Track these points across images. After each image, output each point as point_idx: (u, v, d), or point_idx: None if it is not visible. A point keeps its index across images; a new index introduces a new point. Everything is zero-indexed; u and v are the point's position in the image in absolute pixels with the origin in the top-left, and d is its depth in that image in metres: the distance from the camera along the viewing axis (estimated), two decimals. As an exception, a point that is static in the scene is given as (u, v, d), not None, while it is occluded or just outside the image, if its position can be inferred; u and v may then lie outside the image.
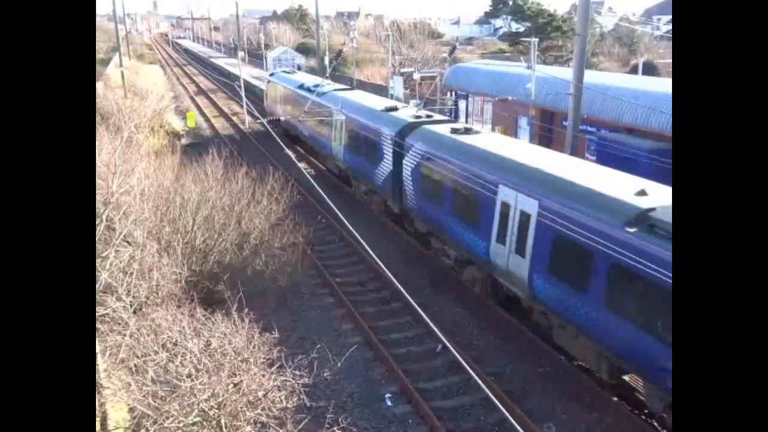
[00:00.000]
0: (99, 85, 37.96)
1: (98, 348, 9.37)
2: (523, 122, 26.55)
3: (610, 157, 19.94)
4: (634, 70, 48.94)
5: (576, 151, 21.27)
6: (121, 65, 42.74)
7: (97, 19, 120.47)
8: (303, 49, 78.29)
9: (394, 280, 9.50)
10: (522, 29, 66.70)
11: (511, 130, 27.62)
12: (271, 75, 40.72)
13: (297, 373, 9.38)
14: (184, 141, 34.50)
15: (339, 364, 11.64)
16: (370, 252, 9.43)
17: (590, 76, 22.30)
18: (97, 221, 9.43)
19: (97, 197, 10.45)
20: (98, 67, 50.82)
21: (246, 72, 53.84)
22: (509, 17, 72.69)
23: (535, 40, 25.88)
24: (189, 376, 8.76)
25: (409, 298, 8.77)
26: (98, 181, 11.88)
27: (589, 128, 22.53)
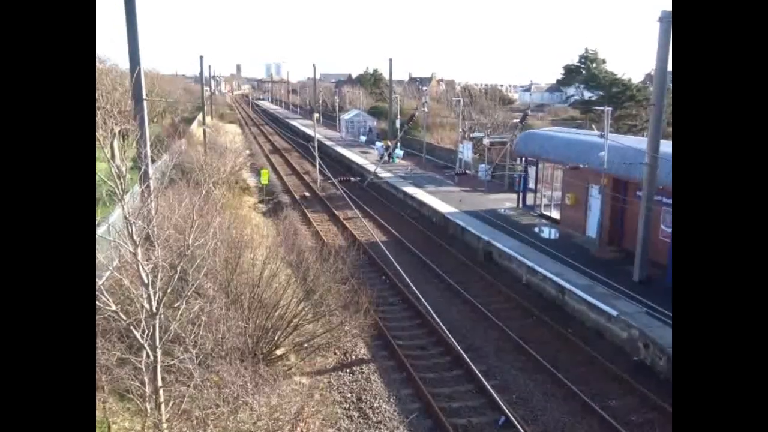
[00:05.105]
0: (182, 142, 40.15)
1: (163, 397, 9.54)
2: (595, 191, 26.02)
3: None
4: (712, 141, 47.40)
5: (650, 223, 20.60)
6: (204, 124, 45.23)
7: (185, 81, 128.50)
8: (376, 112, 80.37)
9: (457, 346, 9.32)
10: (594, 97, 66.29)
11: (582, 199, 27.12)
12: None
13: (355, 437, 9.23)
14: (262, 206, 35.69)
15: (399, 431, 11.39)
16: (435, 316, 9.33)
17: (667, 146, 21.77)
18: (171, 272, 9.78)
19: (173, 249, 10.87)
20: (183, 126, 53.88)
21: (320, 133, 55.73)
22: (582, 85, 72.50)
23: (608, 108, 25.63)
24: (248, 432, 8.77)
25: (473, 365, 8.56)
26: (176, 234, 12.38)
27: (665, 199, 21.82)
